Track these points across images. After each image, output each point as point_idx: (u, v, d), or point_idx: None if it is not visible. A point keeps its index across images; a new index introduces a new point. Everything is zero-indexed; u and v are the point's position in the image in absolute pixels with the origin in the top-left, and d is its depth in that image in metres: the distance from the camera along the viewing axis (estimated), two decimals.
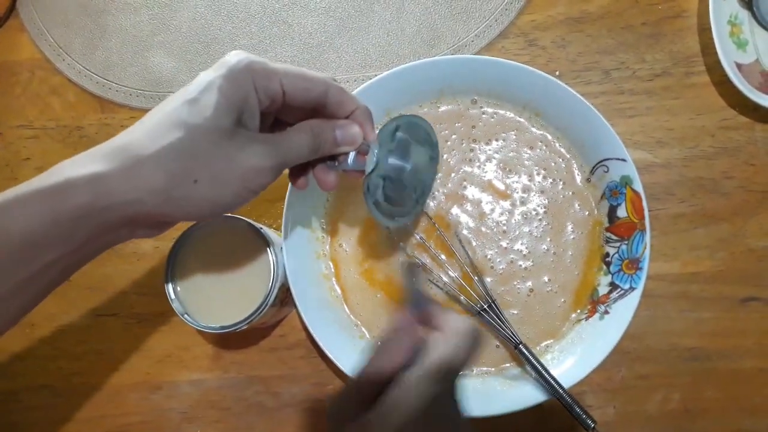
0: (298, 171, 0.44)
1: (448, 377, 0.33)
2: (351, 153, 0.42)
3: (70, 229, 0.34)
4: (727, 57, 0.54)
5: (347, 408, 0.33)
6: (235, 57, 0.37)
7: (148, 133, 0.35)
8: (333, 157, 0.42)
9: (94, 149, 0.36)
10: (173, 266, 0.47)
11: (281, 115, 0.42)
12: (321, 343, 0.48)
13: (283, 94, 0.38)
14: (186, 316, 0.46)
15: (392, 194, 0.47)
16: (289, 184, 0.51)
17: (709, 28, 0.54)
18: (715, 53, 0.54)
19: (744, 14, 0.57)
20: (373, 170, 0.43)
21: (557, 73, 0.56)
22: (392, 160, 0.46)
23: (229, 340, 0.55)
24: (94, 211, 0.34)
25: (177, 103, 0.36)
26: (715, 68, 0.56)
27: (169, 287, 0.47)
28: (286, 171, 0.43)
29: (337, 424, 0.34)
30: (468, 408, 0.48)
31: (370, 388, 0.33)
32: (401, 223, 0.49)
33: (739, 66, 0.55)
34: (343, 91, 0.41)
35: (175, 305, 0.47)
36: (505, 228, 0.52)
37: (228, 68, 0.36)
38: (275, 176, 0.39)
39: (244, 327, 0.46)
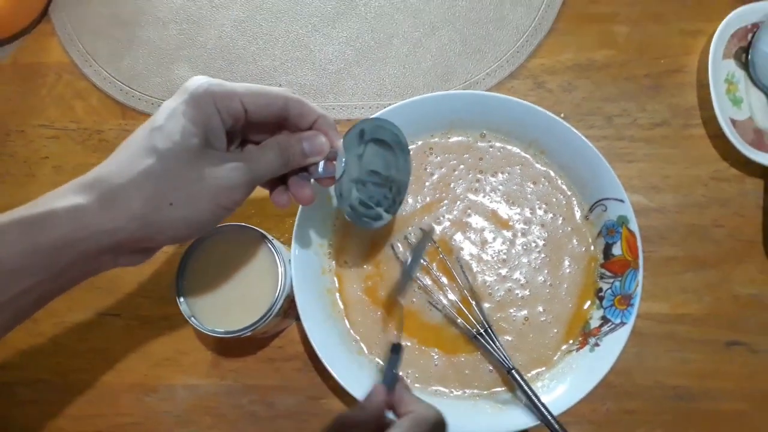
0: (276, 187, 0.45)
1: None
2: (320, 162, 0.44)
3: (50, 258, 0.35)
4: (723, 113, 0.57)
5: None
6: (194, 82, 0.39)
7: (121, 163, 0.37)
8: (305, 169, 0.44)
9: (75, 181, 0.37)
10: (184, 269, 0.49)
11: (248, 133, 0.43)
12: (320, 355, 0.50)
13: (245, 112, 0.40)
14: (192, 318, 0.48)
15: (367, 197, 0.49)
16: None
17: (708, 85, 0.58)
18: (712, 108, 0.57)
19: (740, 74, 0.60)
20: (342, 175, 0.45)
21: (562, 115, 0.59)
22: (362, 164, 0.47)
23: (227, 348, 0.57)
24: (74, 242, 0.35)
25: (145, 132, 0.38)
26: (711, 122, 0.59)
27: (179, 289, 0.48)
28: None
29: None
30: (456, 428, 0.49)
31: None
32: (380, 224, 0.50)
33: (733, 122, 0.58)
34: (302, 102, 0.42)
35: (183, 307, 0.48)
36: (505, 257, 0.54)
37: (189, 93, 0.38)
38: (247, 193, 0.41)
39: (248, 333, 0.48)
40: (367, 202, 0.49)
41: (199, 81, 0.39)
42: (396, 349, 0.43)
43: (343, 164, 0.45)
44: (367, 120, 0.47)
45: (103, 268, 0.39)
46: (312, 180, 0.45)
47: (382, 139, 0.49)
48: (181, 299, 0.48)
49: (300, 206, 0.53)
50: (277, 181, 0.45)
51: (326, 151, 0.43)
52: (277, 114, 0.42)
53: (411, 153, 0.56)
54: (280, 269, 0.49)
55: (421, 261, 0.54)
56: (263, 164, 0.41)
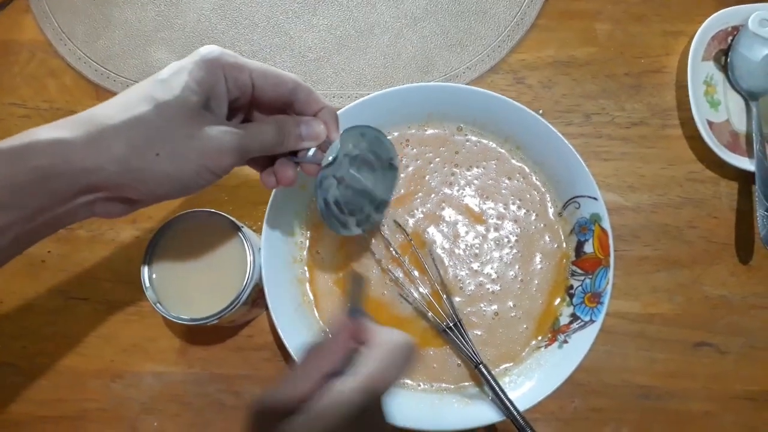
0: (265, 168, 0.45)
1: (377, 391, 0.33)
2: (312, 148, 0.44)
3: (26, 193, 0.35)
4: (700, 114, 0.57)
5: (272, 413, 0.32)
6: (208, 48, 0.40)
7: (116, 106, 0.37)
8: (295, 153, 0.44)
9: (65, 119, 0.37)
10: (151, 254, 0.48)
11: (253, 111, 0.44)
12: (287, 344, 0.49)
13: (252, 87, 0.41)
14: (158, 305, 0.47)
15: (344, 201, 0.49)
16: (274, 190, 0.52)
17: (686, 86, 0.58)
18: (690, 109, 0.57)
19: (719, 76, 0.60)
20: (330, 164, 0.45)
21: (541, 111, 0.59)
22: (350, 165, 0.47)
23: (196, 335, 0.56)
24: (52, 176, 0.35)
25: (148, 82, 0.38)
26: (688, 123, 0.59)
27: (145, 275, 0.48)
28: None
29: (260, 429, 0.33)
30: (423, 421, 0.49)
31: (297, 394, 0.32)
32: (346, 234, 0.50)
33: (710, 124, 0.58)
34: (311, 91, 0.43)
35: (149, 293, 0.47)
36: (477, 251, 0.54)
37: (200, 56, 0.39)
38: (236, 161, 0.40)
39: (214, 322, 0.47)
40: (342, 205, 0.49)
41: (212, 48, 0.40)
42: (357, 280, 0.40)
43: (334, 152, 0.45)
44: (371, 128, 0.47)
45: (79, 215, 0.39)
46: (298, 166, 0.45)
47: (376, 150, 0.49)
48: (147, 285, 0.47)
49: (272, 195, 0.52)
50: (268, 163, 0.45)
51: (322, 139, 0.44)
52: (284, 96, 0.42)
53: None
54: (249, 257, 0.48)
55: (393, 253, 0.54)
56: (258, 137, 0.41)
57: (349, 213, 0.50)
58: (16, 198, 0.35)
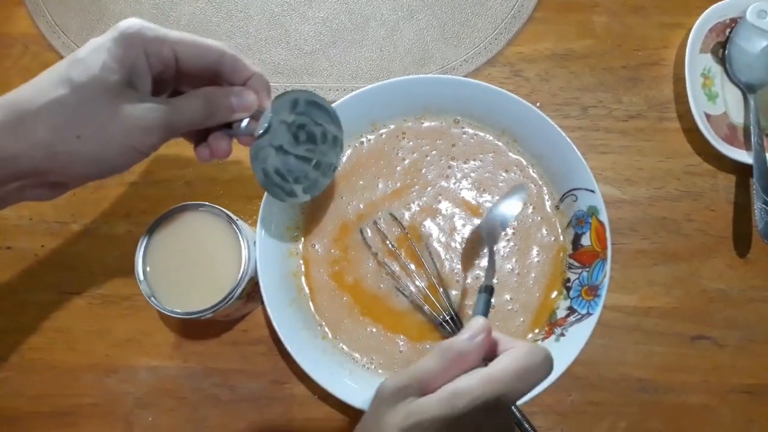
0: (200, 142, 0.45)
1: (509, 394, 0.32)
2: (245, 119, 0.43)
3: None
4: (698, 107, 0.57)
5: (401, 391, 0.33)
6: (127, 22, 0.38)
7: (35, 89, 0.37)
8: (229, 126, 0.43)
9: None
10: (145, 248, 0.48)
11: (181, 83, 0.43)
12: (282, 338, 0.49)
13: (176, 60, 0.40)
14: (152, 298, 0.47)
15: (285, 169, 0.48)
16: None
17: (684, 79, 0.57)
18: (687, 102, 0.57)
19: (717, 69, 0.60)
20: (263, 135, 0.44)
21: (538, 104, 0.59)
22: (287, 132, 0.46)
23: (191, 330, 0.56)
24: None
25: (66, 62, 0.37)
26: (685, 116, 0.59)
27: (139, 268, 0.47)
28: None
29: (385, 400, 0.33)
30: None
31: (429, 386, 0.33)
32: (294, 201, 0.49)
33: (708, 116, 0.58)
34: (236, 58, 0.42)
35: (143, 287, 0.47)
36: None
37: (119, 32, 0.38)
38: (163, 138, 0.40)
39: (209, 315, 0.47)
40: (284, 173, 0.48)
41: (132, 22, 0.38)
42: (489, 291, 0.41)
43: (266, 124, 0.44)
44: (304, 92, 0.46)
45: (10, 200, 0.39)
46: (233, 138, 0.44)
47: (316, 116, 0.48)
48: (142, 278, 0.47)
49: None
50: (203, 136, 0.44)
51: (253, 109, 0.43)
52: (210, 67, 0.41)
53: (383, 136, 0.56)
54: (244, 251, 0.48)
55: (389, 246, 0.54)
56: (185, 112, 0.40)
57: (294, 180, 0.49)
58: None
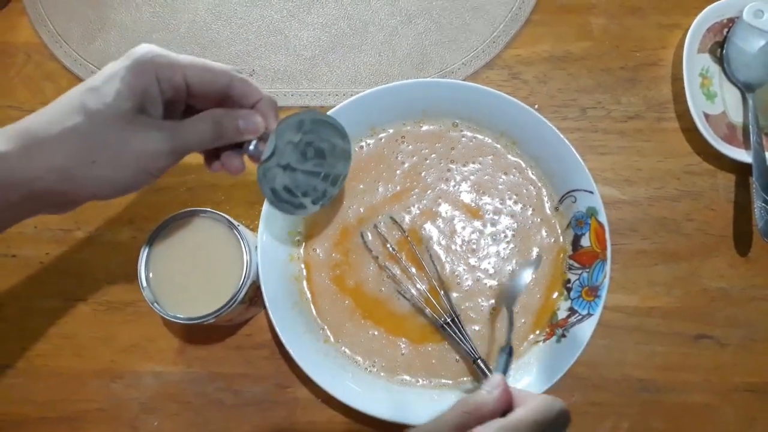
0: (211, 157, 0.46)
1: None
2: (253, 141, 0.44)
3: None
4: (697, 107, 0.57)
5: None
6: (140, 50, 0.40)
7: (50, 117, 0.38)
8: (239, 145, 0.45)
9: (3, 128, 0.38)
10: (148, 254, 0.48)
11: (193, 102, 0.44)
12: (285, 342, 0.49)
13: (186, 85, 0.41)
14: (155, 304, 0.47)
15: (294, 185, 0.48)
16: None
17: (682, 79, 0.58)
18: (686, 102, 0.57)
19: (715, 68, 0.60)
20: (270, 158, 0.45)
21: (536, 106, 0.59)
22: (293, 152, 0.47)
23: (194, 335, 0.56)
24: None
25: (80, 90, 0.39)
26: (684, 116, 0.59)
27: (142, 274, 0.48)
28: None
29: None
30: (421, 417, 0.49)
31: None
32: (302, 213, 0.50)
33: (706, 116, 0.58)
34: (246, 82, 0.43)
35: (146, 293, 0.47)
36: (474, 247, 0.54)
37: (133, 60, 0.39)
38: (174, 160, 0.41)
39: (211, 320, 0.47)
40: (292, 189, 0.49)
41: (145, 49, 0.40)
42: (509, 350, 0.46)
43: (271, 147, 0.45)
44: (310, 112, 0.47)
45: (23, 216, 0.40)
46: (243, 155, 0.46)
47: (323, 132, 0.49)
48: (145, 285, 0.48)
49: None
50: (213, 151, 0.46)
51: (260, 131, 0.44)
52: (219, 91, 0.42)
53: (383, 140, 0.56)
54: (246, 256, 0.48)
55: (390, 249, 0.54)
56: (193, 135, 0.41)
57: (302, 194, 0.49)
58: None
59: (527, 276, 0.50)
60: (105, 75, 0.39)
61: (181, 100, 0.43)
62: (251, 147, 0.45)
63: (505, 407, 0.38)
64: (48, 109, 0.39)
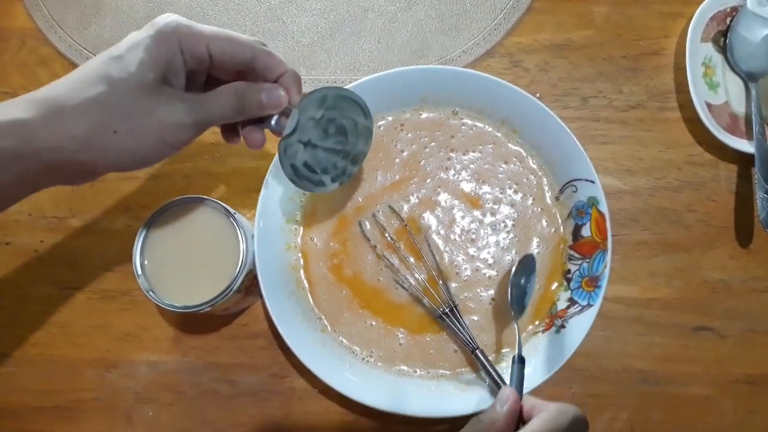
0: (230, 130, 0.46)
1: None
2: (275, 115, 0.44)
3: None
4: (699, 96, 0.56)
5: None
6: (164, 19, 0.39)
7: (72, 85, 0.38)
8: (260, 120, 0.44)
9: (21, 97, 0.37)
10: (143, 242, 0.48)
11: (214, 73, 0.43)
12: (281, 331, 0.49)
13: (210, 56, 0.40)
14: (151, 293, 0.47)
15: (314, 161, 0.48)
16: (267, 174, 0.52)
17: (685, 68, 0.57)
18: (688, 92, 0.56)
19: (718, 58, 0.60)
20: (291, 134, 0.45)
21: (537, 95, 0.58)
22: (315, 128, 0.47)
23: (190, 324, 0.55)
24: (17, 157, 0.36)
25: (103, 58, 0.38)
26: (686, 106, 0.59)
27: (137, 262, 0.47)
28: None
29: None
30: (419, 407, 0.49)
31: None
32: (321, 191, 0.50)
33: (709, 106, 0.57)
34: (270, 55, 0.43)
35: (141, 281, 0.47)
36: (473, 236, 0.54)
37: (156, 29, 0.38)
38: (195, 133, 0.41)
39: (207, 309, 0.47)
40: (312, 166, 0.48)
41: (169, 18, 0.39)
42: (522, 361, 0.46)
43: (294, 123, 0.44)
44: (333, 88, 0.47)
45: (42, 186, 0.40)
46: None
47: (346, 108, 0.48)
48: (140, 273, 0.47)
49: (265, 181, 0.52)
50: (232, 125, 0.45)
51: (283, 106, 0.43)
52: (242, 63, 0.42)
53: (382, 128, 0.56)
54: (242, 245, 0.47)
55: (388, 239, 0.53)
56: (216, 108, 0.41)
57: (322, 171, 0.49)
58: None
59: (533, 284, 0.51)
60: (128, 44, 0.38)
61: (203, 71, 0.42)
62: (273, 122, 0.44)
63: (518, 421, 0.40)
64: (70, 78, 0.38)
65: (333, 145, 0.49)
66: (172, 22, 0.39)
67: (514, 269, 0.49)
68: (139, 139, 0.38)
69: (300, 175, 0.48)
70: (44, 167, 0.37)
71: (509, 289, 0.49)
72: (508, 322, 0.52)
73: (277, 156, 0.51)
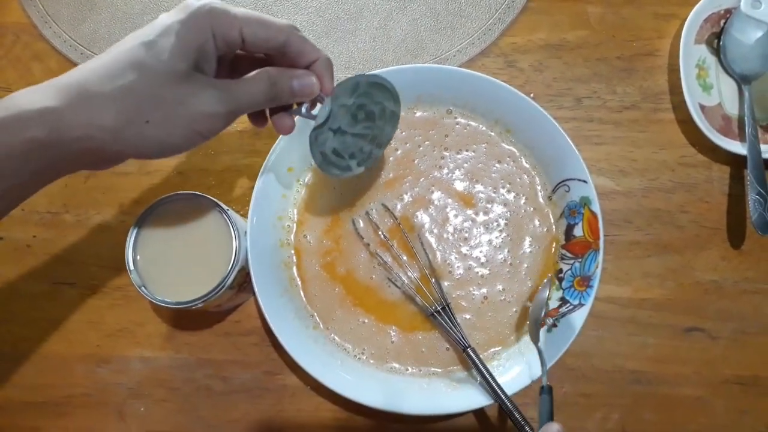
0: (258, 114, 0.45)
1: None
2: (306, 103, 0.43)
3: (22, 162, 0.35)
4: (693, 98, 0.57)
5: None
6: (197, 1, 0.38)
7: (103, 71, 0.36)
8: (288, 106, 0.44)
9: (49, 82, 0.36)
10: (136, 238, 0.48)
11: (242, 60, 0.43)
12: (273, 328, 0.49)
13: (242, 41, 0.39)
14: (143, 288, 0.47)
15: (342, 147, 0.48)
16: (260, 171, 0.52)
17: (678, 70, 0.57)
18: (682, 93, 0.57)
19: (711, 59, 0.60)
20: (324, 123, 0.44)
21: (532, 95, 0.58)
22: (346, 115, 0.47)
23: (183, 320, 0.55)
24: (46, 146, 0.35)
25: (135, 43, 0.37)
26: (680, 107, 0.59)
27: (129, 258, 0.47)
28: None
29: None
30: (410, 406, 0.49)
31: None
32: (348, 175, 0.50)
33: (702, 107, 0.57)
34: (304, 40, 0.41)
35: (134, 276, 0.47)
36: (466, 235, 0.54)
37: (188, 13, 0.37)
38: (227, 122, 0.40)
39: (200, 305, 0.47)
40: (340, 152, 0.48)
41: (202, 1, 0.38)
42: (549, 391, 0.46)
43: (327, 112, 0.44)
44: (365, 75, 0.46)
45: (65, 172, 0.39)
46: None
47: (376, 94, 0.48)
48: (132, 268, 0.47)
49: (258, 178, 0.52)
50: (260, 111, 0.45)
51: (315, 94, 0.43)
52: (275, 48, 0.41)
53: None
54: (235, 241, 0.47)
55: (381, 237, 0.53)
56: (248, 96, 0.40)
57: (350, 156, 0.49)
58: (13, 167, 0.35)
59: (542, 299, 0.51)
60: (159, 28, 0.37)
61: (232, 53, 0.41)
62: (303, 110, 0.44)
63: None
64: (100, 63, 0.37)
65: (361, 131, 0.48)
66: (205, 5, 0.37)
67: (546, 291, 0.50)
68: (170, 129, 0.37)
69: (329, 162, 0.48)
70: (72, 156, 0.37)
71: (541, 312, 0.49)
72: (501, 320, 0.52)
73: (271, 153, 0.51)
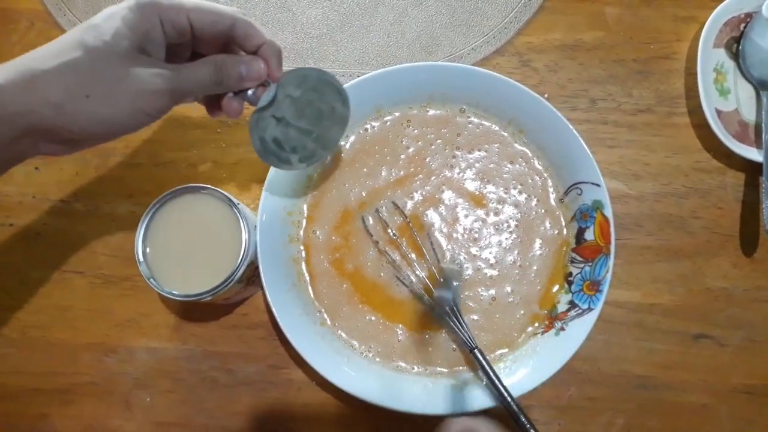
0: (213, 103, 0.46)
1: None
2: (252, 88, 0.44)
3: None
4: (709, 102, 0.56)
5: None
6: None
7: (48, 52, 0.38)
8: (239, 90, 0.44)
9: (2, 64, 0.38)
10: (145, 229, 0.48)
11: (199, 48, 0.44)
12: (281, 323, 0.49)
13: (191, 27, 0.41)
14: (152, 280, 0.47)
15: (284, 138, 0.48)
16: (271, 167, 0.51)
17: (696, 73, 0.56)
18: (698, 97, 0.56)
19: (730, 64, 0.59)
20: (266, 107, 0.45)
21: (546, 95, 0.58)
22: (291, 106, 0.47)
23: (191, 312, 0.56)
24: None
25: (81, 27, 0.39)
26: (696, 111, 0.58)
27: (139, 249, 0.47)
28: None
29: None
30: (415, 405, 0.49)
31: None
32: (287, 169, 0.50)
33: (719, 112, 0.57)
34: (250, 25, 0.43)
35: (142, 268, 0.47)
36: (476, 235, 0.53)
37: (135, 1, 0.39)
38: (172, 101, 0.41)
39: (208, 298, 0.47)
40: (281, 142, 0.48)
41: None
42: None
43: (270, 97, 0.45)
44: (316, 70, 0.47)
45: (27, 153, 0.40)
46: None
47: (326, 94, 0.48)
48: (141, 259, 0.47)
49: (269, 173, 0.52)
50: (216, 99, 0.46)
51: (263, 78, 0.44)
52: (223, 33, 0.42)
53: (388, 124, 0.56)
54: (244, 235, 0.47)
55: (391, 235, 0.53)
56: (193, 76, 0.41)
57: (291, 150, 0.49)
58: None
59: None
60: (106, 14, 0.39)
61: (187, 44, 0.43)
62: (249, 92, 0.44)
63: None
64: (47, 46, 0.39)
65: (306, 126, 0.48)
66: None
67: None
68: (112, 105, 0.39)
69: (267, 149, 0.48)
70: (21, 133, 0.38)
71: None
72: (509, 322, 0.52)
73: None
